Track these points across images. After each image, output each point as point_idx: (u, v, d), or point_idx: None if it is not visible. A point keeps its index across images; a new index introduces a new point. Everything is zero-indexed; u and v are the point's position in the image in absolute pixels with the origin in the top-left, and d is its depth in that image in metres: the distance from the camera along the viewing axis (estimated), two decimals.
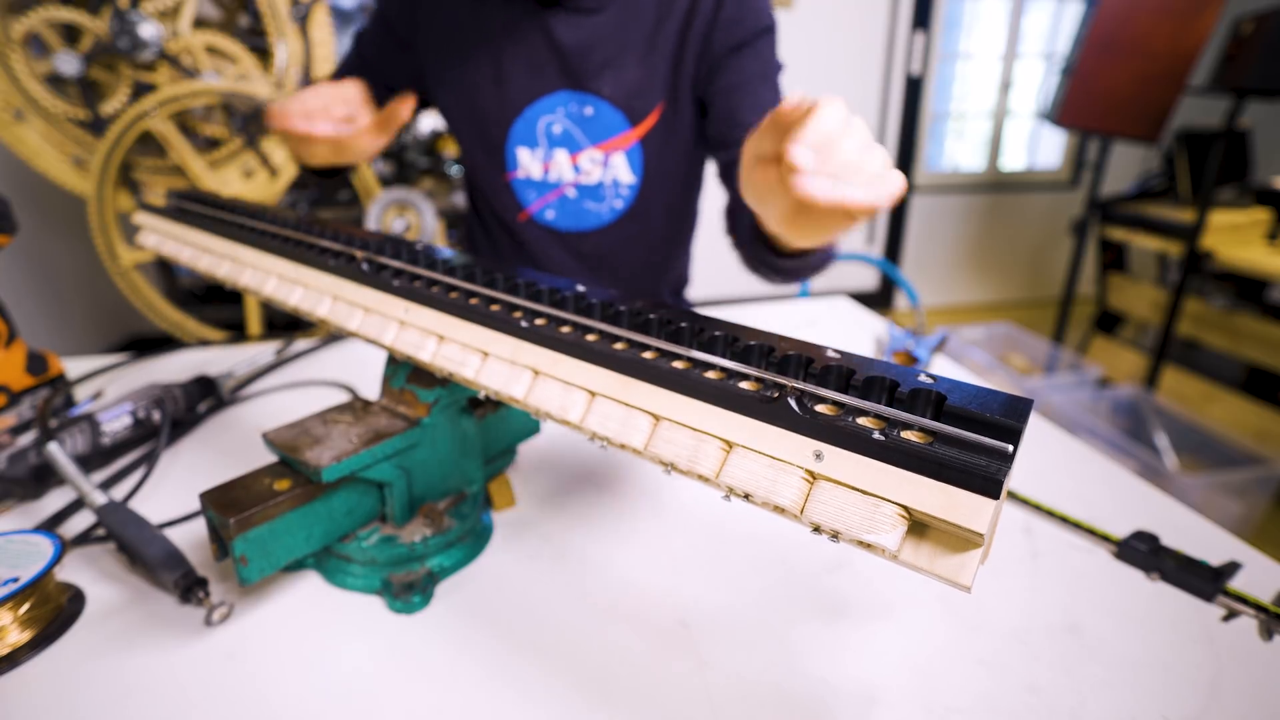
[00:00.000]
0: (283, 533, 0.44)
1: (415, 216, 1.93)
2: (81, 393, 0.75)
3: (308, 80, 1.80)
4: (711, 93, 0.78)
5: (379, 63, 0.84)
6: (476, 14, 0.78)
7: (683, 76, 0.79)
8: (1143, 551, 0.51)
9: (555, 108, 0.80)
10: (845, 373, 0.29)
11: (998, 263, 3.60)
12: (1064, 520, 0.56)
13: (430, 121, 1.97)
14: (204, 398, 0.71)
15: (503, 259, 0.92)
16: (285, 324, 2.29)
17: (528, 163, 0.84)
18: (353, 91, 0.66)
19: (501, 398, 0.40)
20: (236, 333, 2.15)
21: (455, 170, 2.12)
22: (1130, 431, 1.89)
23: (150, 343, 2.56)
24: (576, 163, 0.83)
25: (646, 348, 0.35)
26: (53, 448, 0.55)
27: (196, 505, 0.55)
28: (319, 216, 0.68)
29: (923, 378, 0.28)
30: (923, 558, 0.26)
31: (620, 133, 0.81)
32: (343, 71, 0.86)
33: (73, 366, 0.81)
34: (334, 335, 0.90)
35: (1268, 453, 1.65)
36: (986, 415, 0.26)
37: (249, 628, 0.45)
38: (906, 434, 0.27)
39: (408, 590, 0.46)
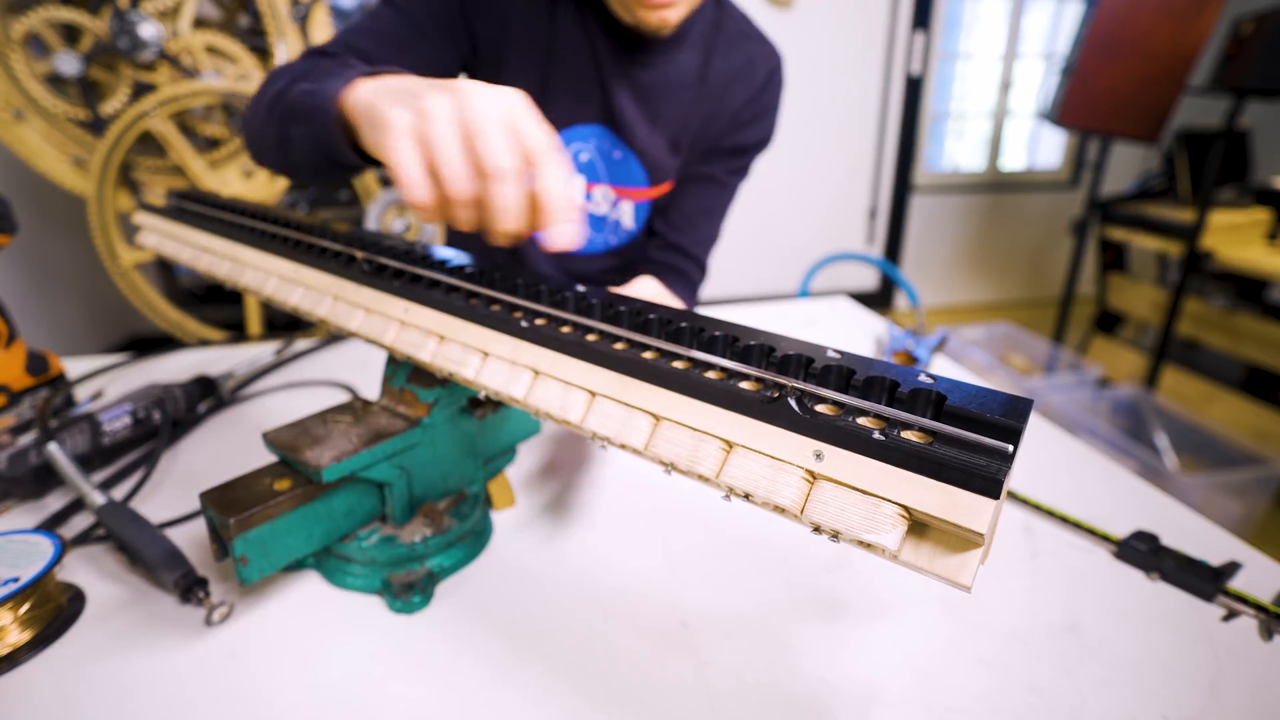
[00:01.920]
0: (283, 533, 0.44)
1: (415, 216, 1.93)
2: (81, 393, 0.75)
3: None
4: (686, 164, 0.85)
5: (433, 31, 0.73)
6: (547, 30, 0.77)
7: (693, 155, 0.85)
8: (1143, 551, 0.51)
9: (589, 138, 0.82)
10: (845, 373, 0.29)
11: (998, 263, 3.60)
12: (1064, 520, 0.57)
13: None
14: (204, 398, 0.71)
15: (493, 262, 0.93)
16: (285, 324, 2.29)
17: None
18: None
19: (501, 398, 0.40)
20: (236, 333, 2.15)
21: None
22: (1130, 431, 1.89)
23: (150, 343, 2.56)
24: (590, 191, 0.85)
25: (646, 348, 0.35)
26: (53, 448, 0.55)
27: (196, 505, 0.55)
28: (319, 216, 0.67)
29: (923, 378, 0.28)
30: (923, 558, 0.26)
31: (638, 186, 0.84)
32: (374, 36, 0.70)
33: (73, 366, 0.81)
34: (334, 335, 0.89)
35: (1268, 453, 1.65)
36: (986, 415, 0.26)
37: (249, 628, 0.45)
38: (906, 434, 0.27)
39: (408, 590, 0.46)
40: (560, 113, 0.80)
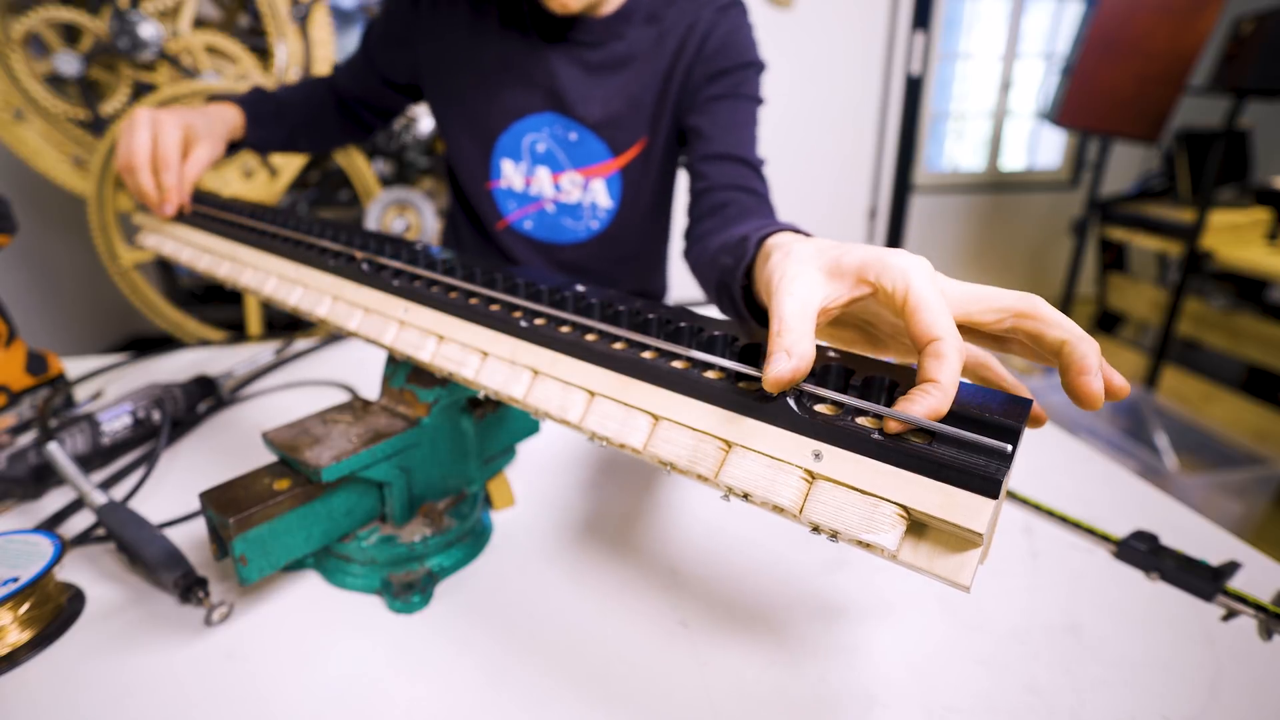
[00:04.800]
0: (282, 532, 0.44)
1: (415, 216, 1.93)
2: (81, 393, 0.75)
3: None
4: (690, 123, 0.80)
5: (381, 56, 0.86)
6: (474, 27, 0.79)
7: (665, 110, 0.81)
8: (1142, 551, 0.51)
9: (541, 127, 0.82)
10: (844, 372, 0.29)
11: (998, 263, 3.60)
12: (1064, 520, 0.57)
13: (430, 122, 1.97)
14: (204, 398, 0.71)
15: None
16: (285, 324, 2.29)
17: (510, 174, 0.86)
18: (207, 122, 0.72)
19: (501, 398, 0.40)
20: (236, 333, 2.14)
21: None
22: (1130, 431, 1.89)
23: (150, 343, 2.56)
24: (558, 181, 0.85)
25: (646, 347, 0.35)
26: (53, 448, 0.55)
27: (196, 505, 0.55)
28: (319, 216, 0.68)
29: None
30: (922, 557, 0.26)
31: (601, 161, 0.83)
32: (350, 64, 0.89)
33: (73, 366, 0.81)
34: (334, 335, 0.90)
35: (1268, 453, 1.65)
36: (985, 415, 0.26)
37: (249, 628, 0.45)
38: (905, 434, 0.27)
39: (407, 590, 0.46)
40: (509, 105, 0.81)
